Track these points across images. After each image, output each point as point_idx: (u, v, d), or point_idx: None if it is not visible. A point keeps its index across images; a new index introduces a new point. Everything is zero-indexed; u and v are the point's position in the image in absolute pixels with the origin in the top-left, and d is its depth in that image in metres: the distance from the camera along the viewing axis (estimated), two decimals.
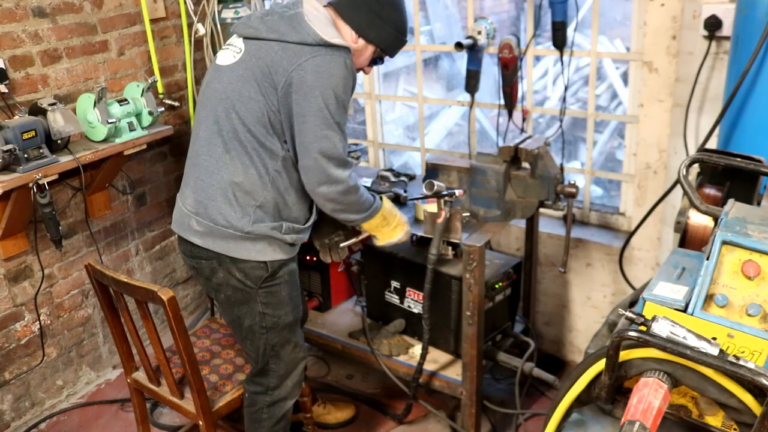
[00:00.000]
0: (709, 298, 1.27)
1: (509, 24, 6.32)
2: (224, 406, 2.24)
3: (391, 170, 2.92)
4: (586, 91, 4.34)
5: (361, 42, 2.05)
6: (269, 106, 1.92)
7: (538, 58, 5.57)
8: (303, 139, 1.93)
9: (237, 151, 1.96)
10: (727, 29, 2.27)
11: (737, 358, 1.14)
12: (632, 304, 1.72)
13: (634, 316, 1.24)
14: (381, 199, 2.19)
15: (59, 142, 2.60)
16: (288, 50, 1.90)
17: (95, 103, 2.69)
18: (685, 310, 1.28)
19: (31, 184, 2.48)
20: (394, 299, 2.80)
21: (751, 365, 1.12)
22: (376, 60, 2.15)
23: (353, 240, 2.39)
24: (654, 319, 1.21)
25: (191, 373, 2.07)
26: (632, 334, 1.20)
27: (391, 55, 2.17)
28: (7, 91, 2.62)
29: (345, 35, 2.02)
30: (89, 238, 3.07)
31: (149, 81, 2.93)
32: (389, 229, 2.21)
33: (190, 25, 3.26)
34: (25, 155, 2.46)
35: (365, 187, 2.27)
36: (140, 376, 2.34)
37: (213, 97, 2.01)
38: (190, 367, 2.06)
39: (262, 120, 1.93)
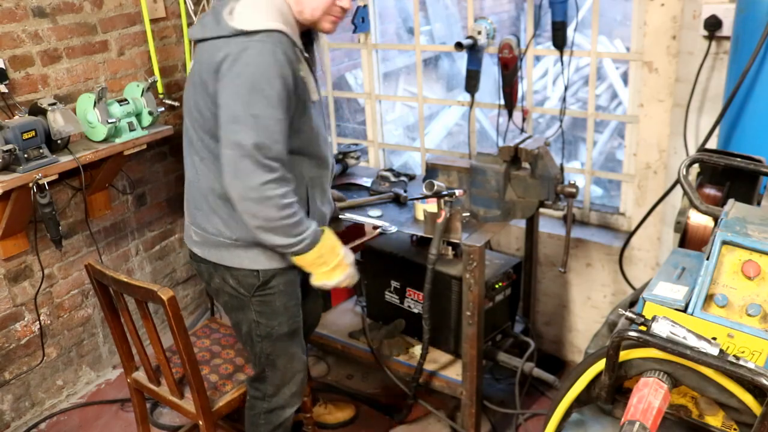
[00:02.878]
0: (709, 298, 1.27)
1: (509, 24, 6.32)
2: (224, 406, 2.24)
3: (391, 170, 2.92)
4: (586, 91, 4.34)
5: None
6: (211, 114, 1.83)
7: (538, 58, 5.56)
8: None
9: (209, 160, 1.90)
10: (727, 29, 2.27)
11: (737, 358, 1.13)
12: (632, 304, 1.71)
13: (634, 316, 1.24)
14: (323, 231, 1.96)
15: (59, 142, 2.60)
16: (213, 47, 1.80)
17: (95, 103, 2.69)
18: (685, 310, 1.28)
19: (31, 184, 2.48)
20: (394, 299, 2.80)
21: (751, 365, 1.12)
22: (343, 9, 1.89)
23: (358, 241, 2.40)
24: (654, 319, 1.21)
25: (191, 373, 2.06)
26: (632, 334, 1.20)
27: None
28: (7, 91, 2.62)
29: None
30: (89, 238, 3.07)
31: (149, 81, 2.93)
32: (327, 269, 1.98)
33: (190, 25, 3.26)
34: (25, 155, 2.46)
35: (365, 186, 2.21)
36: (140, 375, 2.34)
37: (185, 108, 1.98)
38: (190, 366, 2.06)
39: (212, 130, 1.85)
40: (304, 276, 2.05)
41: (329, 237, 1.98)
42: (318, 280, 2.00)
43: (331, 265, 1.98)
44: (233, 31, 1.76)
